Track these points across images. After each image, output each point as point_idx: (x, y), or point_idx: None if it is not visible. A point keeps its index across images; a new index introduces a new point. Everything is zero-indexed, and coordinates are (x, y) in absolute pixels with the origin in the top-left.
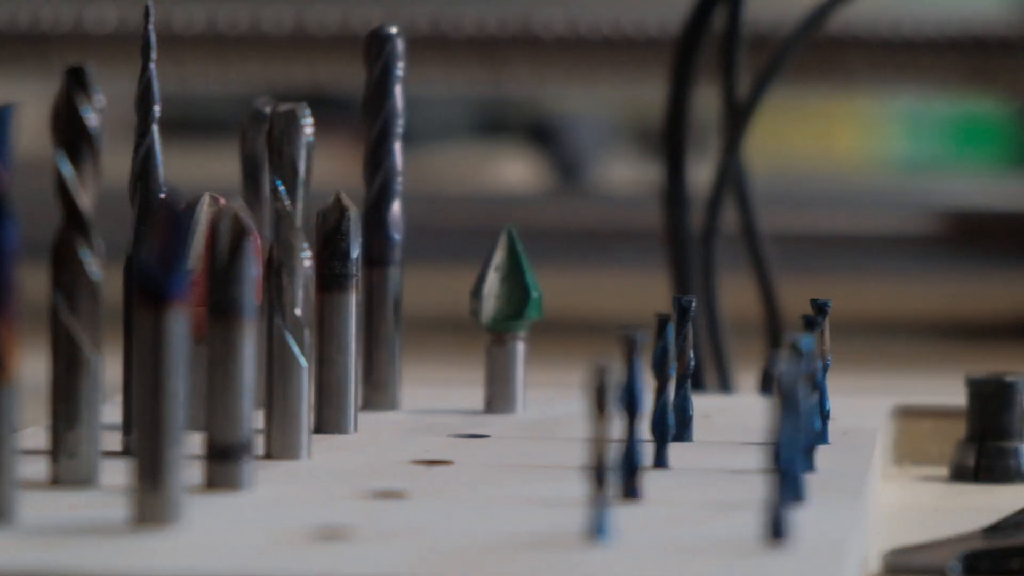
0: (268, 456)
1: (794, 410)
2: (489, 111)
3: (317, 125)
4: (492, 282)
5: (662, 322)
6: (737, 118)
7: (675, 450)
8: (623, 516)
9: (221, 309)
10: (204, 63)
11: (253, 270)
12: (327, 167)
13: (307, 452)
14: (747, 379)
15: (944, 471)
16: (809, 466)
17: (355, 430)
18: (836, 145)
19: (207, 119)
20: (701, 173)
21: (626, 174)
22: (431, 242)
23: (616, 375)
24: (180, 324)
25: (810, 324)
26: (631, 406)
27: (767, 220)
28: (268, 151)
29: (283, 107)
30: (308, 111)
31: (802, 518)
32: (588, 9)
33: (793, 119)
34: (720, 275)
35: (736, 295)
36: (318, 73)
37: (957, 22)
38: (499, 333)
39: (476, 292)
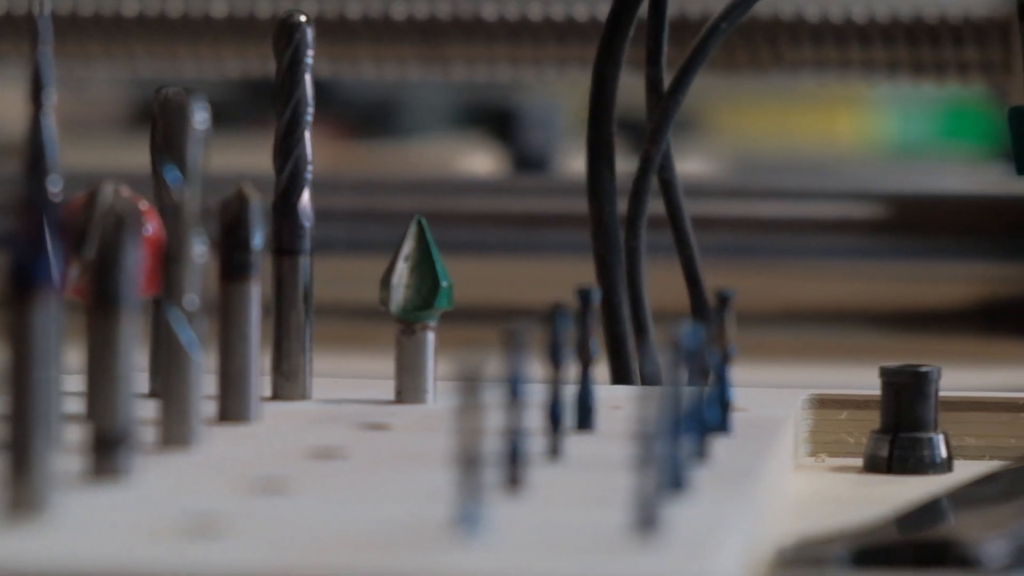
0: (161, 446)
1: (668, 400)
2: (452, 103)
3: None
4: (401, 272)
5: (554, 312)
6: (661, 106)
7: (573, 441)
8: (501, 508)
9: (100, 300)
10: (192, 49)
11: (135, 261)
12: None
13: (200, 442)
14: None
15: (860, 462)
16: (699, 457)
17: (258, 419)
18: (808, 132)
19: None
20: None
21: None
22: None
23: (494, 366)
24: (46, 312)
25: (706, 315)
26: (513, 397)
27: (723, 208)
28: (161, 141)
29: (174, 97)
30: (200, 101)
31: (682, 510)
32: None
33: (759, 106)
34: (654, 265)
35: (672, 285)
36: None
37: (945, 7)
38: (409, 323)
39: (385, 282)
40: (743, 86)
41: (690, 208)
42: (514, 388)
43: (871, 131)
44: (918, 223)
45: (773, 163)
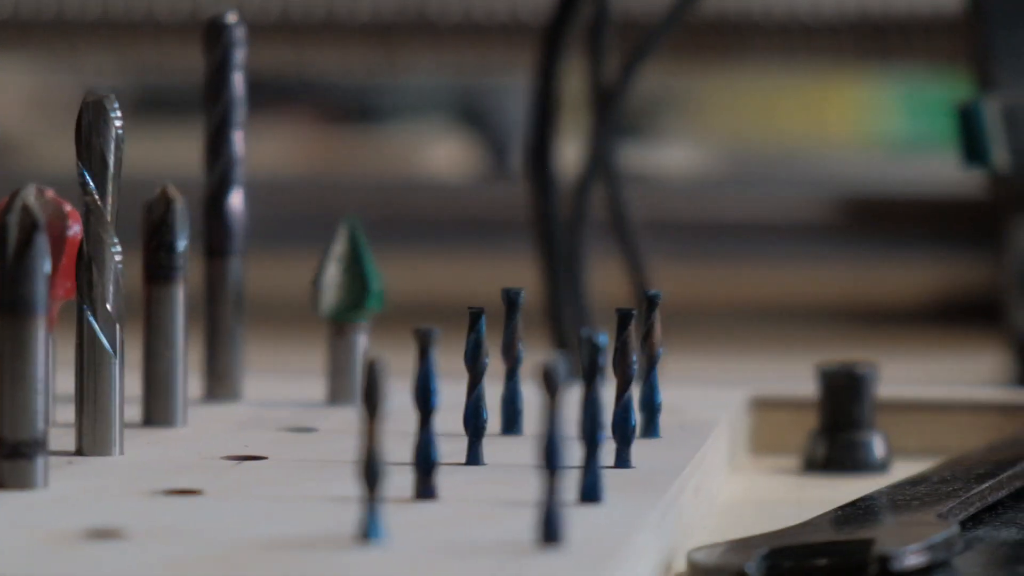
0: (79, 452)
1: (558, 405)
2: (430, 95)
3: (275, 108)
4: (332, 273)
5: (474, 315)
6: (605, 103)
7: (499, 445)
8: (409, 515)
9: (10, 305)
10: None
11: (45, 265)
12: (285, 150)
13: (119, 448)
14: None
15: (798, 462)
16: (621, 463)
17: (184, 423)
18: (795, 126)
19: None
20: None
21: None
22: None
23: (388, 371)
24: None
25: (624, 317)
26: (423, 402)
27: (693, 204)
28: (76, 143)
29: (92, 97)
30: (116, 102)
31: (593, 518)
32: None
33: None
34: (609, 263)
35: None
36: (265, 57)
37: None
38: (340, 325)
39: (316, 283)
40: (712, 81)
41: (660, 204)
42: (424, 392)
43: (863, 127)
44: (882, 219)
45: (753, 158)
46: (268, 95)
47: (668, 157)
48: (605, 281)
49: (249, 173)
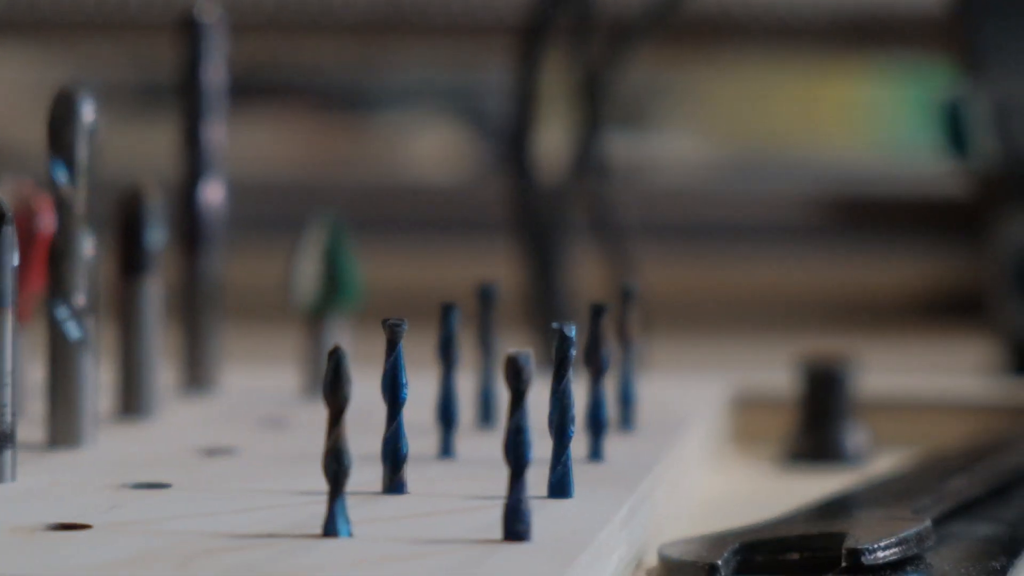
0: (50, 444)
1: (524, 398)
2: (423, 84)
3: (265, 101)
4: (310, 267)
5: (446, 309)
6: (590, 94)
7: (473, 438)
8: (377, 509)
9: None
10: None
11: (12, 257)
12: (275, 143)
13: (90, 440)
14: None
15: (779, 457)
16: (593, 457)
17: (158, 415)
18: (779, 121)
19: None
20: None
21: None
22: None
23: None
24: None
25: (597, 311)
26: (391, 395)
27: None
28: (47, 136)
29: (62, 91)
30: (88, 95)
31: (561, 511)
32: None
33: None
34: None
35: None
36: (255, 51)
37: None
38: (316, 318)
39: (291, 277)
40: (706, 74)
41: (650, 197)
42: (392, 384)
43: (855, 124)
44: (869, 215)
45: (745, 152)
46: (258, 89)
47: (660, 149)
48: (595, 276)
49: (237, 166)
